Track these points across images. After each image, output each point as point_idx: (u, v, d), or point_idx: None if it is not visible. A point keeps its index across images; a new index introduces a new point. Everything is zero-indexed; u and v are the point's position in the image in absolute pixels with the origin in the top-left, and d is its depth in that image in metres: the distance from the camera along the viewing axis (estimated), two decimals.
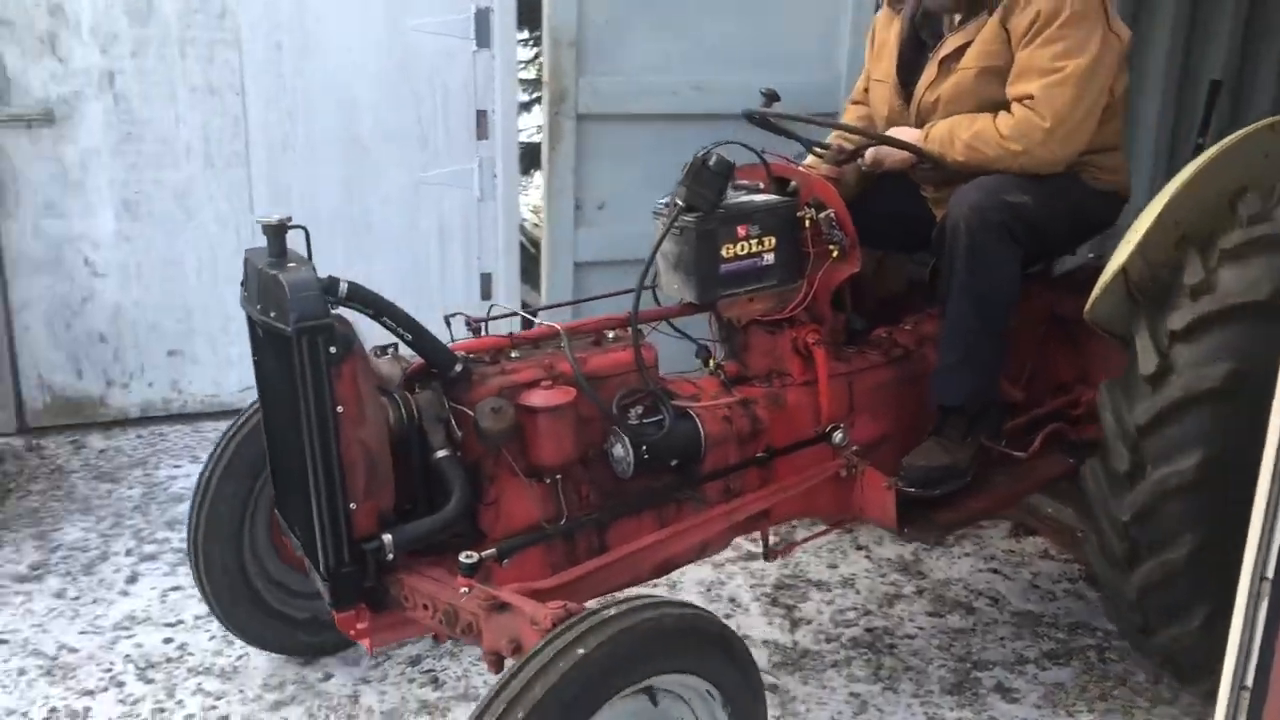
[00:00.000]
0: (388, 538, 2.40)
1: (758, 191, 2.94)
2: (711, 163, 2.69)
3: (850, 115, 3.55)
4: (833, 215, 2.86)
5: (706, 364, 3.01)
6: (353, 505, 2.37)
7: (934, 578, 3.75)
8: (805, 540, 3.29)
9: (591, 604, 2.18)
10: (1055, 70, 2.89)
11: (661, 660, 2.09)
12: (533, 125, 6.67)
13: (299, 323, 2.26)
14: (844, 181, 3.26)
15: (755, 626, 3.44)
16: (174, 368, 4.97)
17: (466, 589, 2.29)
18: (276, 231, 2.39)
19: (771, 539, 3.10)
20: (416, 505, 2.55)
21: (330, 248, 3.87)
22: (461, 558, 2.34)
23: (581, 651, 1.96)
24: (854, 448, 3.01)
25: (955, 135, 3.01)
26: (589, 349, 2.81)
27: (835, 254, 2.89)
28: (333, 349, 2.29)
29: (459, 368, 2.57)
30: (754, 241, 2.83)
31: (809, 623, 3.46)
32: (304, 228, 2.46)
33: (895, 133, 3.14)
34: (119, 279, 4.79)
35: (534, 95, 7.14)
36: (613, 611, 2.05)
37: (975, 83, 3.02)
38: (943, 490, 3.01)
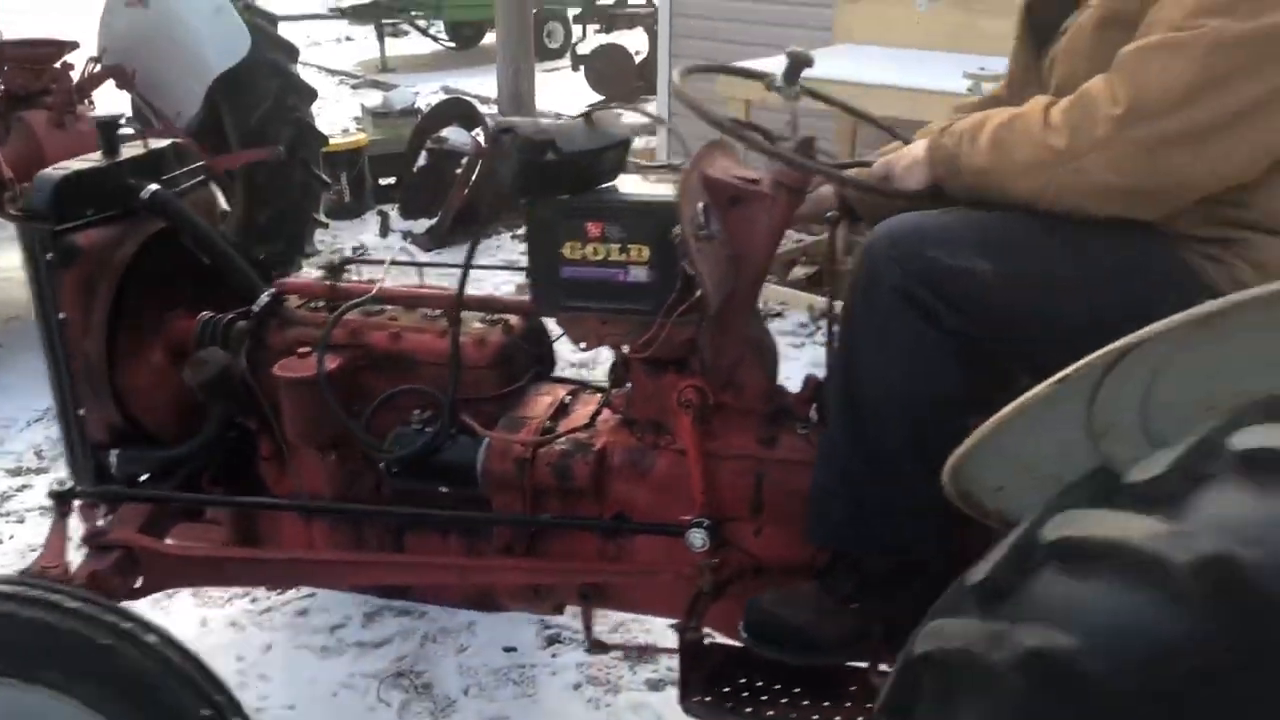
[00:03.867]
0: (115, 453, 2.44)
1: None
2: (513, 137, 2.01)
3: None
4: (676, 236, 2.00)
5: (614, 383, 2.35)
6: (81, 411, 2.41)
7: None
8: (644, 650, 2.49)
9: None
10: (1182, 29, 1.66)
11: None
12: None
13: (22, 215, 2.28)
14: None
15: None
16: None
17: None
18: (104, 128, 2.40)
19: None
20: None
21: None
22: (54, 484, 2.27)
23: None
24: (713, 562, 2.16)
25: (987, 123, 1.85)
26: (428, 323, 2.40)
27: (698, 290, 2.04)
28: (50, 256, 2.26)
29: (265, 300, 2.42)
30: (614, 247, 2.11)
31: None
32: (160, 134, 2.49)
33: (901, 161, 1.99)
34: None
35: None
36: None
37: (1093, 38, 1.85)
38: (779, 655, 2.05)
